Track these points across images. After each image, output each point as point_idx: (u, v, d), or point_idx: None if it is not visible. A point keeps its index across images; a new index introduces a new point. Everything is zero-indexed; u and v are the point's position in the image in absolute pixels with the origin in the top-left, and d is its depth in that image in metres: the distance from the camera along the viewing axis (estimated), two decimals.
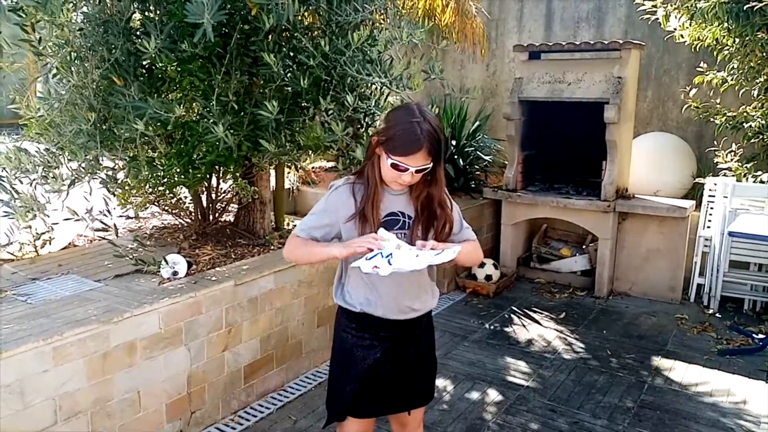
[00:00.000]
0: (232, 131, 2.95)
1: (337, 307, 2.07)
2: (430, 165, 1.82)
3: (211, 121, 2.74)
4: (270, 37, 3.05)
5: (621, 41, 4.99)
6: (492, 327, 4.41)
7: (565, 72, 5.07)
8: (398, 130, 1.79)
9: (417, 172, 1.81)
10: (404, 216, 1.91)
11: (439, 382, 3.53)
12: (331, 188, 1.97)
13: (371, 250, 1.75)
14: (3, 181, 2.95)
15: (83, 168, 3.10)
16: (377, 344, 1.98)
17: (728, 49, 4.83)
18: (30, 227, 3.01)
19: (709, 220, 4.93)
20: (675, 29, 5.06)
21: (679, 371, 3.74)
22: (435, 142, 1.78)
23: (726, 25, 4.63)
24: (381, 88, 3.24)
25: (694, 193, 5.48)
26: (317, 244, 1.91)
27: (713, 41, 4.85)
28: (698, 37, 4.92)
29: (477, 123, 5.97)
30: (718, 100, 5.20)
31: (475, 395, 3.41)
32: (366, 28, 3.04)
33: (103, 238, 3.47)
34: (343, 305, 2.02)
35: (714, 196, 4.89)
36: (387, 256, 1.73)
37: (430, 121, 1.79)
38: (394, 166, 1.79)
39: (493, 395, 3.42)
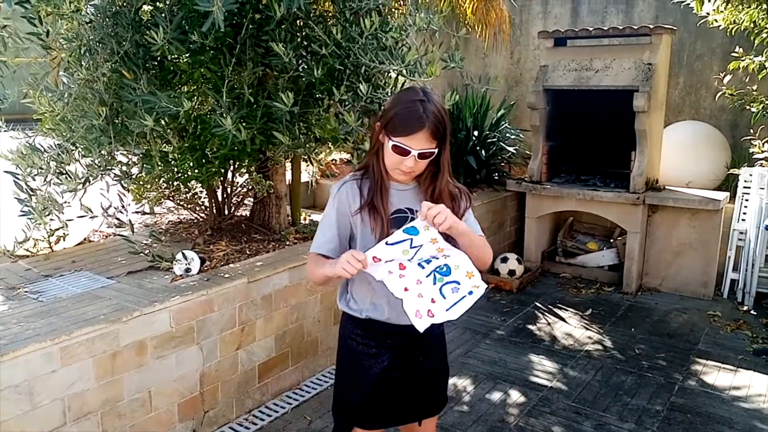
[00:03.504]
0: (244, 124, 2.87)
1: (342, 313, 1.96)
2: (435, 150, 1.69)
3: (220, 113, 2.66)
4: (282, 26, 2.95)
5: (651, 26, 4.80)
6: (515, 324, 4.28)
7: (593, 59, 4.89)
8: (400, 109, 1.68)
9: (420, 157, 1.68)
10: (413, 213, 1.80)
11: (459, 382, 3.43)
12: (335, 189, 1.85)
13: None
14: (18, 179, 2.93)
15: (97, 164, 3.05)
16: (384, 352, 1.87)
17: (766, 32, 4.59)
18: (44, 224, 2.98)
19: (744, 213, 4.76)
20: (708, 13, 4.83)
21: (712, 372, 3.58)
22: (439, 124, 1.66)
23: (765, 6, 4.40)
24: (396, 76, 3.12)
25: (728, 184, 5.31)
26: (320, 262, 1.79)
27: (750, 24, 4.62)
28: (734, 21, 4.70)
29: (500, 112, 5.82)
30: (754, 87, 4.97)
31: (496, 396, 3.30)
32: (380, 15, 2.93)
33: (119, 235, 3.44)
34: (347, 311, 1.92)
35: (749, 188, 4.72)
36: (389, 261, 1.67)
37: (434, 102, 1.68)
38: (396, 148, 1.67)
39: (515, 396, 3.30)
